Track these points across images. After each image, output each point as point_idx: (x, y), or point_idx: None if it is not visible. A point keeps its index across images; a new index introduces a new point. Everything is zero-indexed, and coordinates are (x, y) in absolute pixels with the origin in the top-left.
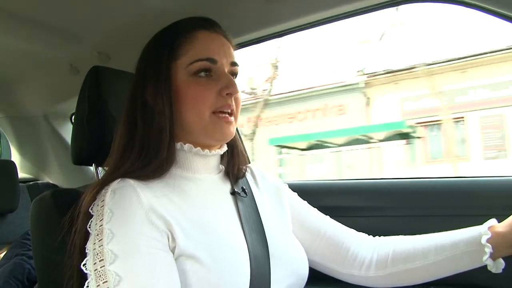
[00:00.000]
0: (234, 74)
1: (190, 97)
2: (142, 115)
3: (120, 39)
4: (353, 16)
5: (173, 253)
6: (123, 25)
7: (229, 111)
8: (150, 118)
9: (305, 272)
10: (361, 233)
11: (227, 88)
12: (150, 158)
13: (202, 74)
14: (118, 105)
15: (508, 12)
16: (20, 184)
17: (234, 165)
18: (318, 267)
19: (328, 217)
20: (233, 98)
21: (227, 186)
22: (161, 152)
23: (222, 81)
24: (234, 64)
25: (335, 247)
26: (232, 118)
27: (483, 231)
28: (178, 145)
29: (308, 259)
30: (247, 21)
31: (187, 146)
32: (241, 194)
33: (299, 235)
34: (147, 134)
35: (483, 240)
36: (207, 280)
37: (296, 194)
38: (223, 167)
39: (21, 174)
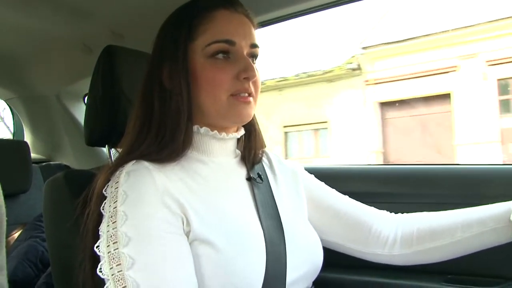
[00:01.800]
0: (254, 56)
1: (206, 79)
2: (159, 96)
3: (134, 17)
4: None
5: (188, 237)
6: (138, 2)
7: (247, 94)
8: (168, 99)
9: (320, 259)
10: (383, 210)
11: (245, 72)
12: (167, 141)
13: (220, 56)
14: (132, 86)
15: None
16: (33, 164)
17: (250, 149)
18: (341, 248)
19: (346, 196)
20: (251, 82)
21: (243, 172)
22: (178, 134)
23: (239, 64)
24: (254, 45)
25: (356, 225)
26: (250, 99)
27: None
28: (195, 128)
29: (329, 242)
30: (265, 0)
31: (203, 129)
32: (257, 180)
33: (318, 217)
34: (164, 115)
35: None
36: (221, 265)
37: (313, 176)
38: (240, 152)
39: (34, 155)
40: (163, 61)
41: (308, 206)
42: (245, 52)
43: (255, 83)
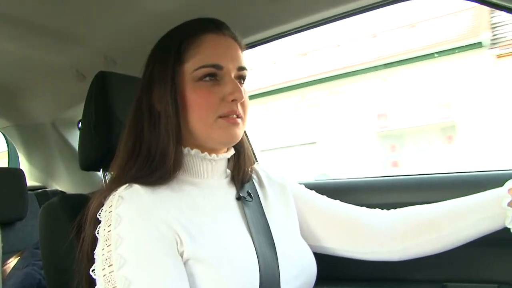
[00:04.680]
0: (242, 77)
1: (194, 102)
2: (148, 119)
3: (125, 43)
4: (361, 13)
5: (182, 257)
6: (129, 29)
7: (235, 116)
8: (157, 122)
9: (313, 273)
10: (375, 209)
11: (232, 95)
12: (157, 164)
13: (207, 79)
14: (125, 110)
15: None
16: (29, 192)
17: (240, 169)
18: (338, 253)
19: (337, 200)
20: (239, 104)
21: (233, 191)
22: (168, 157)
23: (227, 87)
24: (241, 68)
25: (350, 227)
26: (239, 120)
27: (503, 194)
28: (186, 150)
29: (326, 248)
30: (252, 22)
31: (194, 151)
32: (247, 199)
33: (311, 224)
34: (154, 138)
35: (504, 204)
36: (216, 283)
37: (302, 186)
38: (230, 171)
39: (30, 182)
40: (153, 84)
41: (299, 216)
42: (232, 75)
43: (243, 105)
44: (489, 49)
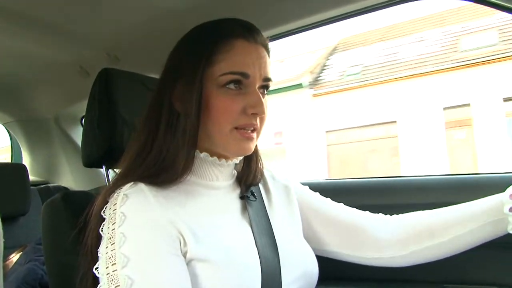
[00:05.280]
0: (265, 87)
1: (215, 107)
2: (166, 117)
3: (129, 40)
4: (380, 9)
5: (185, 257)
6: (132, 26)
7: (251, 129)
8: (175, 121)
9: (315, 274)
10: (378, 214)
11: (253, 108)
12: (166, 165)
13: (232, 85)
14: (128, 107)
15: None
16: (31, 187)
17: (249, 173)
18: (340, 256)
19: (341, 204)
20: (258, 118)
21: (237, 191)
22: (179, 159)
23: (250, 98)
24: (267, 79)
25: (352, 231)
26: (253, 134)
27: (505, 200)
28: (195, 152)
29: (328, 251)
30: (259, 20)
31: (203, 154)
32: (251, 198)
33: (314, 226)
34: (168, 137)
35: (506, 210)
36: (218, 282)
37: (307, 187)
38: (236, 172)
39: (32, 178)
40: (176, 82)
41: (303, 218)
42: (257, 85)
43: (262, 118)
44: (308, 89)
